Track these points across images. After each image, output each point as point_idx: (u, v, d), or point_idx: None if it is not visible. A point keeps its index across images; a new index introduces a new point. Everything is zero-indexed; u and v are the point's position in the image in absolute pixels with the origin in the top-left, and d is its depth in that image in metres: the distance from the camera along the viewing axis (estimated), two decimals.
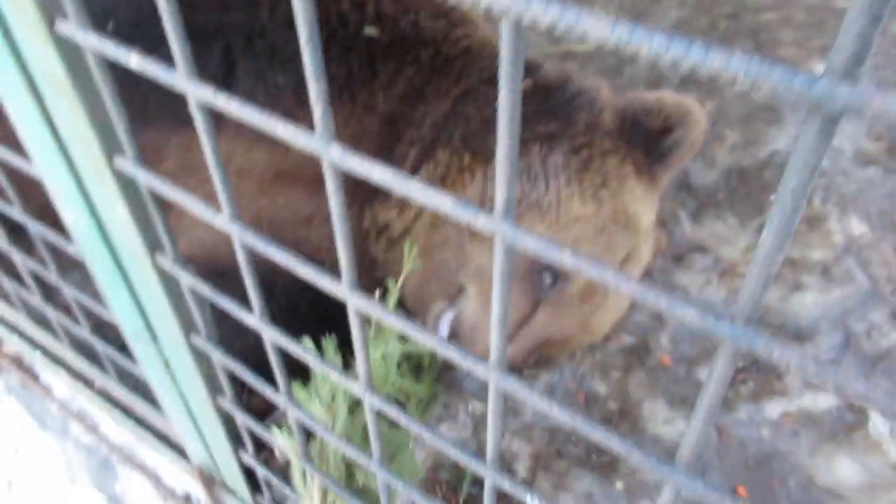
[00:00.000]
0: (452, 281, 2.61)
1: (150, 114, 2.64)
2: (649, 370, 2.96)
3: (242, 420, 1.80)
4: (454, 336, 2.57)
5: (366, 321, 1.09)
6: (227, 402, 1.80)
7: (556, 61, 3.91)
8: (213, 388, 1.84)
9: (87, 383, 2.86)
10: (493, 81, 2.76)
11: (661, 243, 3.32)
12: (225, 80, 2.60)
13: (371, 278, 2.96)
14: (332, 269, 2.83)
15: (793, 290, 3.19)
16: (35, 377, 3.10)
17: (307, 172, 2.80)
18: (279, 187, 2.86)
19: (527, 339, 2.61)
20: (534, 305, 2.60)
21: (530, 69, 2.83)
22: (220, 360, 1.57)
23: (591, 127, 2.67)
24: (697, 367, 2.98)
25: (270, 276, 2.92)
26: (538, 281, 2.57)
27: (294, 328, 2.92)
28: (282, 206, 2.87)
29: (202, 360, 1.68)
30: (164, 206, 1.21)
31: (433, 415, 2.79)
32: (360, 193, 2.82)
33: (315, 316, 2.89)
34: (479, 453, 2.81)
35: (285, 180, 2.84)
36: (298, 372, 2.20)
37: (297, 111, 2.65)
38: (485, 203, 2.59)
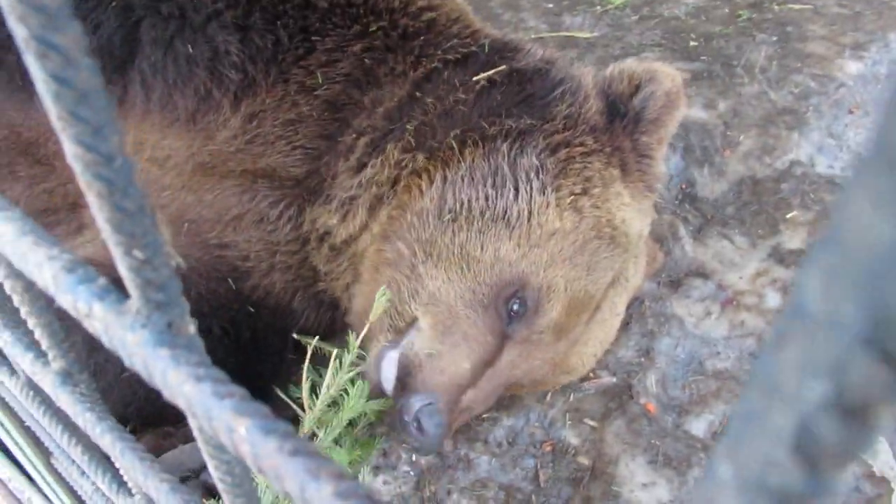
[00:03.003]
0: (402, 311, 2.16)
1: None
2: (630, 419, 2.50)
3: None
4: (405, 374, 2.14)
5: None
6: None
7: (552, 48, 3.41)
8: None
9: None
10: (460, 64, 2.29)
11: (657, 263, 2.85)
12: (124, 49, 2.14)
13: (310, 296, 2.51)
14: (266, 288, 2.40)
15: None
16: None
17: (233, 165, 2.34)
18: (205, 182, 2.40)
19: (491, 383, 2.16)
20: (501, 340, 2.15)
21: (507, 52, 2.36)
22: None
23: (572, 122, 2.22)
24: (688, 418, 2.51)
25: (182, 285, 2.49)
26: (504, 312, 2.12)
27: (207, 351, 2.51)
28: (208, 203, 2.41)
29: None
30: None
31: (369, 464, 2.35)
32: (300, 191, 2.36)
33: (231, 343, 2.44)
34: None
35: (210, 173, 2.39)
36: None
37: (215, 92, 2.18)
38: (443, 214, 2.14)
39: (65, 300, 0.46)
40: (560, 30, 4.07)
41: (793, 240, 2.99)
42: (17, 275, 0.69)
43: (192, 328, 0.46)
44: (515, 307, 2.13)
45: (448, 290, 2.12)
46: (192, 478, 2.17)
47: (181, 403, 0.42)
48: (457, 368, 2.09)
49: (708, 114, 3.38)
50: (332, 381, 2.02)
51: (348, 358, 2.00)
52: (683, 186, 3.21)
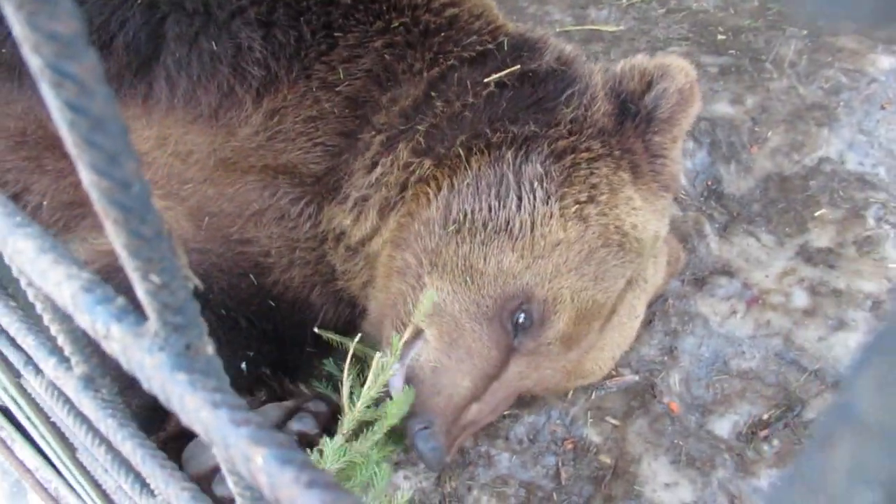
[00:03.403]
0: (407, 322, 2.15)
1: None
2: (653, 418, 2.48)
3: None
4: (412, 384, 2.13)
5: None
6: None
7: (576, 43, 3.37)
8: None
9: None
10: (476, 63, 2.26)
11: (680, 262, 2.81)
12: (149, 45, 2.14)
13: (329, 291, 2.51)
14: (285, 283, 2.41)
15: (834, 329, 2.67)
16: None
17: (254, 160, 2.35)
18: (227, 176, 2.41)
19: (497, 396, 2.14)
20: (507, 353, 2.12)
21: (524, 51, 2.31)
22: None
23: (577, 126, 2.16)
24: (712, 418, 2.49)
25: (205, 280, 2.50)
26: (510, 324, 2.09)
27: (236, 343, 2.51)
28: (229, 197, 2.42)
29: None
30: None
31: (389, 459, 2.35)
32: (319, 189, 2.36)
33: (259, 332, 2.45)
34: None
35: (232, 168, 2.39)
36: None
37: (237, 88, 2.18)
38: (447, 224, 2.11)
39: (83, 320, 0.45)
40: (585, 23, 4.03)
41: (821, 238, 2.94)
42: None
43: (210, 349, 0.45)
44: (521, 319, 2.09)
45: (453, 302, 2.10)
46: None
47: (198, 429, 0.41)
48: (455, 389, 2.07)
49: (735, 109, 3.33)
50: (373, 383, 2.02)
51: (391, 361, 1.99)
52: (709, 183, 3.16)
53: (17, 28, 0.31)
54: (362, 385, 2.41)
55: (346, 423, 2.00)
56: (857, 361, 0.20)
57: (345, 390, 2.00)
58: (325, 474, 0.38)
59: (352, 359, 2.08)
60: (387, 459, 2.19)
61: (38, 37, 0.30)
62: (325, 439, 1.95)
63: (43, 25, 0.30)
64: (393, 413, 2.02)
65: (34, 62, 0.31)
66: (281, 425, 2.11)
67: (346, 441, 1.97)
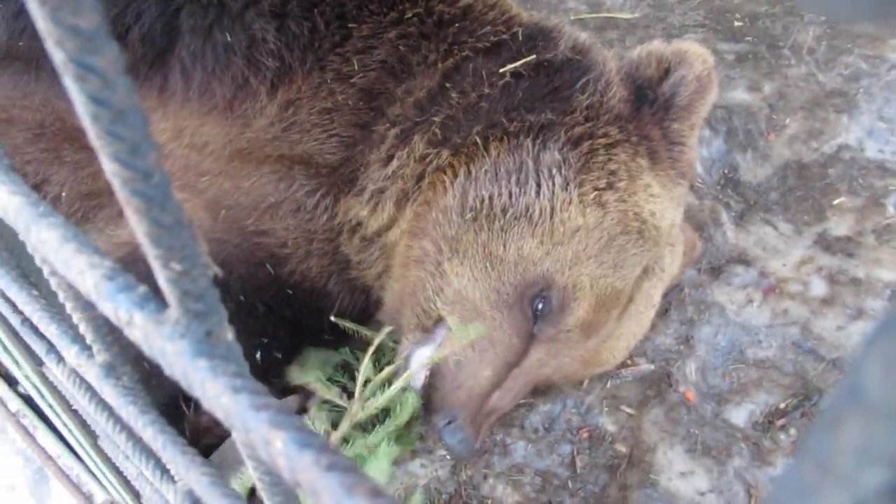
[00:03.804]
0: (427, 309, 2.16)
1: None
2: (669, 407, 2.48)
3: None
4: (431, 388, 2.15)
5: None
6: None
7: (591, 31, 3.35)
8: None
9: (11, 383, 2.52)
10: (491, 53, 2.25)
11: (696, 251, 2.80)
12: (165, 37, 2.15)
13: (344, 280, 2.53)
14: (302, 272, 2.42)
15: (853, 318, 2.65)
16: None
17: (270, 151, 2.36)
18: (243, 168, 2.43)
19: (518, 382, 2.15)
20: (527, 340, 2.13)
21: (539, 41, 2.30)
22: None
23: (594, 112, 2.16)
24: (728, 407, 2.48)
25: (223, 269, 2.52)
26: (530, 311, 2.10)
27: (252, 329, 2.54)
28: (245, 190, 2.44)
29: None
30: None
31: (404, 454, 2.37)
32: (335, 180, 2.37)
33: (277, 318, 2.48)
34: (457, 497, 2.39)
35: (248, 159, 2.41)
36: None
37: (252, 79, 2.19)
38: (465, 212, 2.11)
39: (106, 308, 0.46)
40: (600, 11, 4.00)
41: (839, 226, 2.92)
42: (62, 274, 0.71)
43: (230, 336, 0.46)
44: (541, 306, 2.09)
45: (473, 290, 2.10)
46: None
47: (219, 414, 0.42)
48: (476, 380, 2.09)
49: (752, 96, 3.30)
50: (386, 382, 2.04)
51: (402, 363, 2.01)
52: (726, 171, 3.14)
53: (41, 23, 0.31)
54: (378, 373, 2.44)
55: (355, 411, 2.01)
56: (866, 342, 0.20)
57: (360, 380, 2.02)
58: (345, 458, 0.39)
59: (373, 353, 2.10)
60: (394, 456, 2.20)
61: (62, 32, 0.31)
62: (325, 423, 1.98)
63: (66, 20, 0.31)
64: (403, 415, 2.04)
65: (58, 57, 0.32)
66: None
67: (353, 430, 2.00)
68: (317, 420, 1.96)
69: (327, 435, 1.97)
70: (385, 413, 2.11)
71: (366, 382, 2.06)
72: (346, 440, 2.05)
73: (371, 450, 1.98)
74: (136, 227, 0.39)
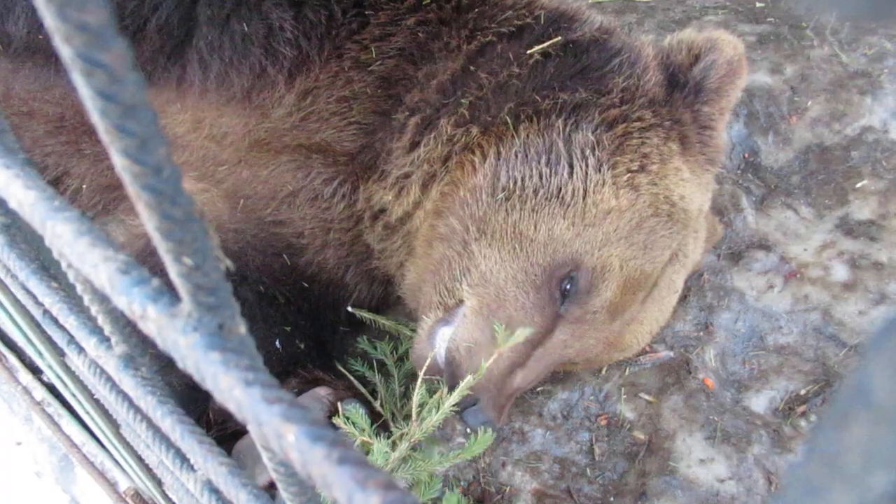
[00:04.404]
0: (451, 288, 2.16)
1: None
2: (688, 394, 2.46)
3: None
4: (451, 371, 2.15)
5: None
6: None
7: (610, 14, 3.32)
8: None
9: (36, 372, 2.56)
10: (514, 37, 2.24)
11: (717, 235, 2.78)
12: (182, 28, 2.16)
13: (362, 271, 2.53)
14: (319, 264, 2.43)
15: (875, 303, 2.61)
16: (3, 355, 2.82)
17: (288, 140, 2.36)
18: (261, 157, 2.43)
19: (541, 363, 2.15)
20: (552, 321, 2.13)
21: (563, 23, 2.29)
22: None
23: (630, 94, 2.16)
24: (748, 394, 2.46)
25: (240, 259, 2.53)
26: (558, 292, 2.10)
27: (273, 319, 2.55)
28: (263, 179, 2.45)
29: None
30: None
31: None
32: (354, 168, 2.37)
33: (297, 308, 2.49)
34: (476, 484, 2.40)
35: (266, 149, 2.42)
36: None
37: (269, 69, 2.19)
38: (496, 192, 2.11)
39: (120, 301, 0.47)
40: None
41: (862, 210, 2.87)
42: None
43: (242, 329, 0.47)
44: (568, 287, 2.10)
45: (500, 271, 2.10)
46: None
47: (232, 407, 0.42)
48: (499, 362, 2.08)
49: (773, 79, 3.25)
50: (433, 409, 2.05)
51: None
52: (746, 155, 3.10)
53: (48, 19, 0.31)
54: (396, 362, 2.44)
55: (412, 431, 2.02)
56: (872, 344, 0.19)
57: (415, 402, 2.04)
58: (356, 451, 0.39)
59: (397, 339, 2.10)
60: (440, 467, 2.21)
61: (69, 28, 0.31)
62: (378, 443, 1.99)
63: (72, 16, 0.31)
64: (476, 449, 2.03)
65: (65, 52, 0.32)
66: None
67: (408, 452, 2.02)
68: (377, 448, 1.97)
69: (387, 459, 1.99)
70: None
71: (420, 405, 2.07)
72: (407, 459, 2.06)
73: (429, 475, 2.01)
74: (147, 222, 0.39)
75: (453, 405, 1.99)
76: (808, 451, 0.22)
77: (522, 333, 1.92)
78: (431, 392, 2.09)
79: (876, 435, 0.19)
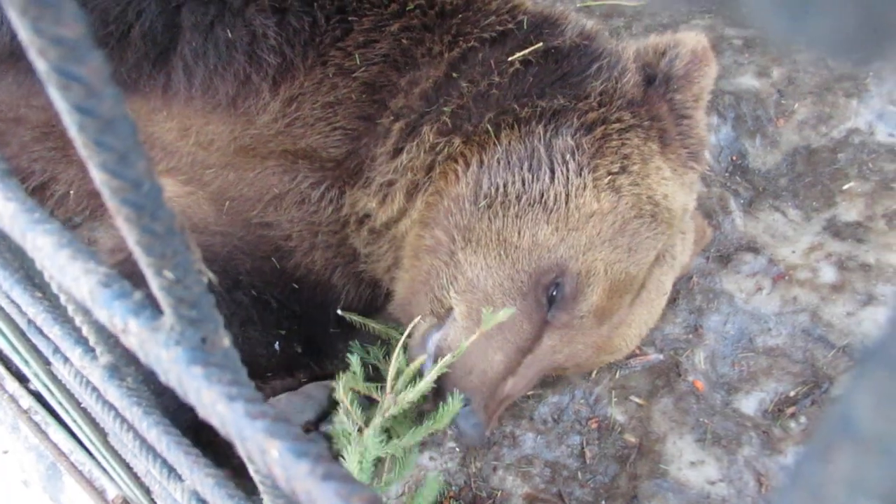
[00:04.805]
0: (441, 297, 2.15)
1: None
2: (678, 397, 2.47)
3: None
4: (438, 353, 2.14)
5: None
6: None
7: (597, 19, 3.33)
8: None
9: (22, 380, 2.54)
10: (497, 43, 2.24)
11: (706, 238, 2.79)
12: (166, 35, 2.15)
13: (350, 273, 2.53)
14: (307, 266, 2.42)
15: (863, 304, 2.63)
16: None
17: (274, 146, 2.36)
18: (248, 162, 2.43)
19: (531, 370, 2.14)
20: (540, 327, 2.12)
21: (545, 28, 2.30)
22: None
23: (608, 97, 2.16)
24: (737, 395, 2.47)
25: (231, 263, 2.52)
26: (544, 298, 2.10)
27: (268, 322, 2.54)
28: (249, 181, 2.44)
29: None
30: None
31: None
32: (340, 173, 2.36)
33: (290, 312, 2.48)
34: (467, 489, 2.39)
35: (253, 154, 2.41)
36: None
37: (254, 76, 2.18)
38: (479, 200, 2.11)
39: (101, 315, 0.46)
40: None
41: (849, 212, 2.89)
42: None
43: (226, 342, 0.46)
44: (555, 293, 2.10)
45: (486, 278, 2.10)
46: (313, 430, 2.17)
47: (215, 422, 0.42)
48: (488, 364, 2.08)
49: (760, 82, 3.27)
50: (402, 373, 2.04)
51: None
52: (734, 158, 3.12)
53: (23, 33, 0.31)
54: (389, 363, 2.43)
55: (387, 406, 2.01)
56: (856, 371, 0.19)
57: (391, 373, 2.02)
58: (341, 467, 0.39)
59: (388, 343, 2.10)
60: (416, 446, 2.20)
61: (44, 41, 0.31)
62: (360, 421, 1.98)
63: (48, 30, 0.30)
64: (444, 420, 2.02)
65: (41, 66, 0.32)
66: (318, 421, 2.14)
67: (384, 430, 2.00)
68: (351, 415, 1.96)
69: (360, 430, 1.97)
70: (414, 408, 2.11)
71: (396, 376, 2.06)
72: (386, 431, 2.05)
73: (403, 451, 1.99)
74: (128, 235, 0.39)
75: (433, 382, 1.98)
76: (792, 481, 0.22)
77: (506, 313, 1.92)
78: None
79: (860, 465, 0.19)
